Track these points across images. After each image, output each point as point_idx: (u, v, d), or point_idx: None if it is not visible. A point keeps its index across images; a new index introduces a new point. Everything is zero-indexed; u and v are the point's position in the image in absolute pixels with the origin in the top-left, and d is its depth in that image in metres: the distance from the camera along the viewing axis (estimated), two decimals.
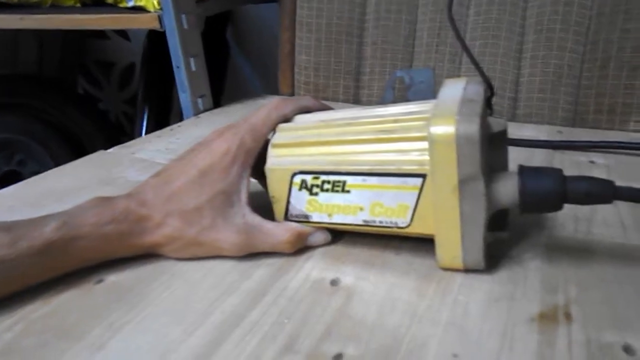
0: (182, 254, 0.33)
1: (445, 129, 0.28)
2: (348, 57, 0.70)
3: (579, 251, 0.33)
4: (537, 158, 0.49)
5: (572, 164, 0.48)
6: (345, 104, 0.71)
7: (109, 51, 1.31)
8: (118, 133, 1.34)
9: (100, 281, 0.31)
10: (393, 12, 0.67)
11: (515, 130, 0.57)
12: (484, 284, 0.30)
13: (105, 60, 1.32)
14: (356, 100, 0.71)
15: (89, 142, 1.20)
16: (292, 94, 0.75)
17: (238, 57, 1.15)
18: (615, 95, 0.57)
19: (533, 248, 0.34)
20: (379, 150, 0.31)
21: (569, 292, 0.29)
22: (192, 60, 0.62)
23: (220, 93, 1.06)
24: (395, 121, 0.32)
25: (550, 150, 0.51)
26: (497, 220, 0.32)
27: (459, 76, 0.63)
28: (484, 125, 0.29)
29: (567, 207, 0.38)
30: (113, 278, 0.32)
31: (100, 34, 1.29)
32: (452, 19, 0.30)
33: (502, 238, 0.32)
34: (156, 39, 1.06)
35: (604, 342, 0.25)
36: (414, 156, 0.30)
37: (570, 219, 0.37)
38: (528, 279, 0.30)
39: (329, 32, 0.70)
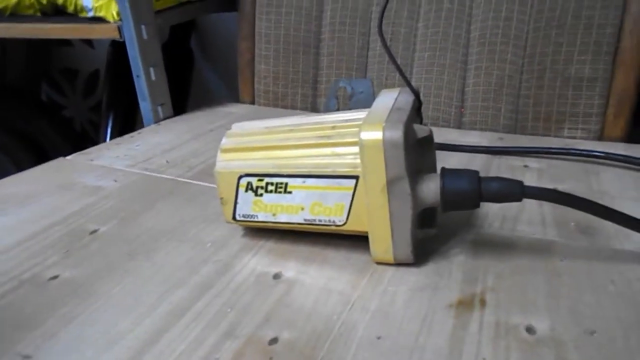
0: None
1: (373, 134, 0.31)
2: (305, 67, 0.73)
3: (501, 246, 0.37)
4: (477, 163, 0.53)
5: (507, 168, 0.52)
6: (303, 111, 0.74)
7: (73, 58, 1.31)
8: (83, 141, 1.34)
9: (55, 277, 0.33)
10: (348, 24, 0.71)
11: (460, 137, 0.61)
12: (412, 276, 0.33)
13: (69, 68, 1.32)
14: (313, 108, 0.74)
15: (54, 151, 1.20)
16: (253, 102, 0.78)
17: (203, 65, 1.17)
18: (551, 104, 0.61)
19: (460, 244, 0.37)
20: (317, 154, 0.34)
21: (487, 281, 0.32)
22: (151, 70, 0.64)
23: (185, 101, 1.08)
24: (333, 128, 0.35)
25: (490, 156, 0.55)
26: (427, 218, 0.36)
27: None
28: (410, 132, 0.32)
29: (497, 208, 0.42)
30: (67, 274, 0.34)
31: (64, 41, 1.29)
32: (381, 32, 0.33)
33: (432, 235, 0.36)
34: (120, 47, 1.08)
35: (511, 323, 0.29)
36: (348, 159, 0.33)
37: (499, 218, 0.41)
38: (452, 272, 0.34)
39: (287, 43, 0.73)
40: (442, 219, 0.38)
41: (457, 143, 0.57)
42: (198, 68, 1.15)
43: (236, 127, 0.39)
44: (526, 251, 0.36)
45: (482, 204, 0.32)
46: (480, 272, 0.33)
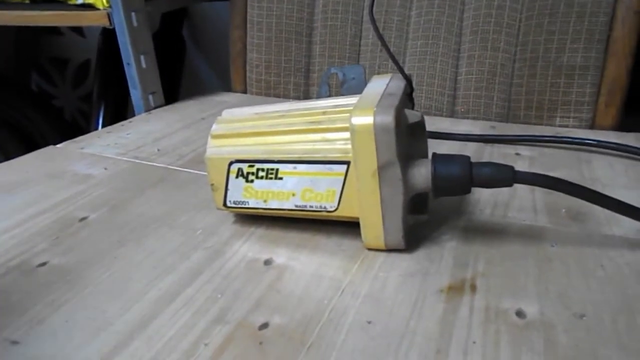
0: None
1: (364, 119, 0.31)
2: (298, 55, 0.73)
3: (493, 232, 0.37)
4: (469, 151, 0.53)
5: (500, 156, 0.51)
6: (296, 100, 0.73)
7: (63, 47, 1.30)
8: (73, 131, 1.33)
9: (43, 264, 0.33)
10: (340, 12, 0.70)
11: (453, 126, 0.61)
12: (403, 261, 0.33)
13: (59, 57, 1.31)
14: (306, 96, 0.74)
15: (43, 140, 1.19)
16: (245, 92, 0.77)
17: (195, 54, 1.16)
18: (543, 93, 0.61)
19: (452, 230, 0.37)
20: (308, 140, 0.34)
21: (478, 267, 0.32)
22: (142, 58, 0.64)
23: (177, 90, 1.07)
24: (324, 113, 0.34)
25: (482, 144, 0.55)
26: (418, 204, 0.36)
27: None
28: (401, 117, 0.32)
29: (488, 194, 0.42)
30: (56, 261, 0.33)
31: (54, 30, 1.28)
32: (372, 18, 0.33)
33: (423, 220, 0.35)
34: (111, 35, 1.07)
35: (501, 308, 0.29)
36: (338, 145, 0.33)
37: (490, 204, 0.41)
38: (443, 257, 0.34)
39: (279, 31, 0.73)
40: (434, 205, 0.38)
41: (449, 131, 0.57)
42: (190, 57, 1.14)
43: (227, 113, 0.38)
44: (517, 237, 0.36)
45: (473, 189, 0.32)
46: (471, 258, 0.33)
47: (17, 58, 1.31)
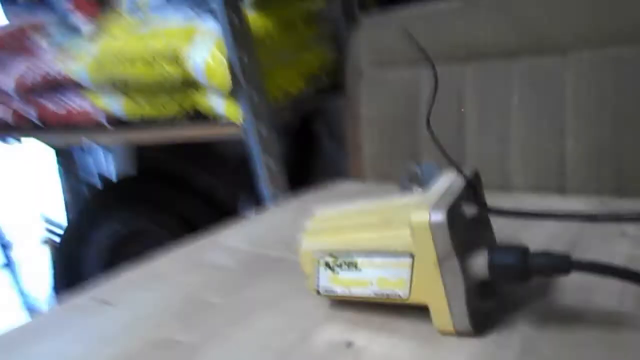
0: None
1: (420, 216, 0.35)
2: (407, 146, 0.79)
3: (570, 317, 0.37)
4: (570, 231, 0.53)
5: (600, 235, 0.50)
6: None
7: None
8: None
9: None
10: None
11: (559, 203, 0.61)
12: (472, 347, 0.36)
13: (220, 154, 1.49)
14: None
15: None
16: (362, 178, 0.85)
17: (330, 143, 1.25)
18: None
19: (528, 314, 0.38)
20: (381, 236, 0.39)
21: (545, 355, 0.34)
22: (270, 161, 0.75)
23: (308, 178, 1.18)
24: (394, 211, 0.40)
25: (585, 223, 0.54)
26: (488, 289, 0.38)
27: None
28: (458, 213, 0.36)
29: (574, 276, 0.42)
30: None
31: None
32: (429, 126, 0.38)
33: (491, 307, 0.38)
34: None
35: None
36: (405, 239, 0.38)
37: (574, 286, 0.41)
38: (512, 344, 0.35)
39: (390, 126, 0.80)
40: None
41: (555, 208, 0.56)
42: (324, 146, 1.24)
43: (318, 213, 0.45)
44: (596, 323, 0.36)
45: None
46: (540, 345, 0.34)
47: (185, 158, 1.53)
